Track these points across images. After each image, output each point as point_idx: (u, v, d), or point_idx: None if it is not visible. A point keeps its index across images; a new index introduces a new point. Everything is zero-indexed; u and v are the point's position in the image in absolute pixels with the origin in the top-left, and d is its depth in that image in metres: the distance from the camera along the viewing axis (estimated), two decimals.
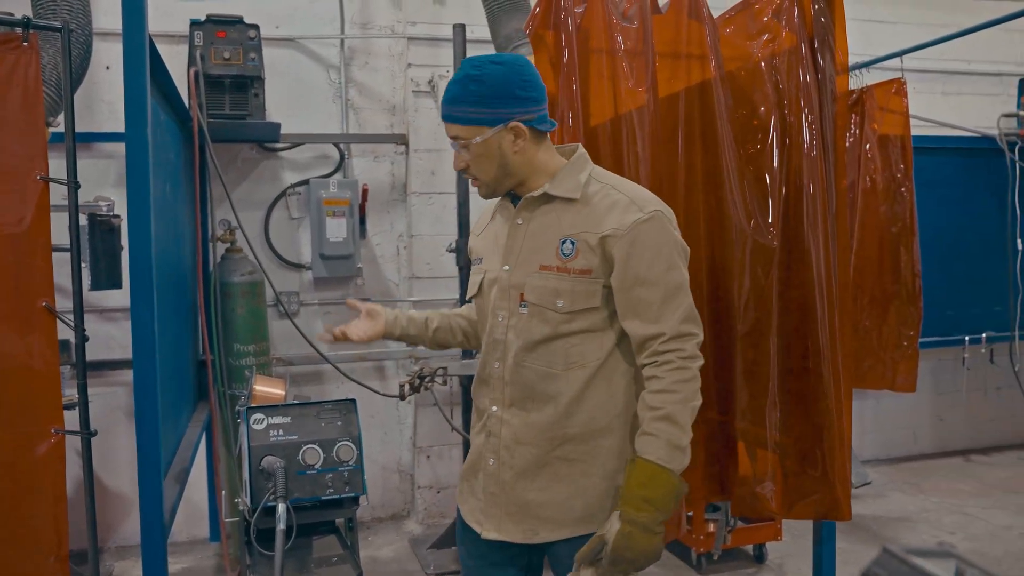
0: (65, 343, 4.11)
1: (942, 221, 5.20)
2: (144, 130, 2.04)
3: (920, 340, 4.56)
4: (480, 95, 1.79)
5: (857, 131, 4.57)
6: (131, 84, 2.03)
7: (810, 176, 2.60)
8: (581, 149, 1.97)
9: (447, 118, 1.85)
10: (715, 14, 2.70)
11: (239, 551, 2.31)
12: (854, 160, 4.55)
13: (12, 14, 3.29)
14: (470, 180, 1.94)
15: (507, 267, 1.93)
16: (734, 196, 2.59)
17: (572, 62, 2.48)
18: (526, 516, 1.91)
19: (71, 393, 3.58)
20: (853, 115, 4.58)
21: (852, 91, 4.55)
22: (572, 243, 1.84)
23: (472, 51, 4.30)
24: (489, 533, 1.95)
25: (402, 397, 3.86)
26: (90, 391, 3.86)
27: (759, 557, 3.94)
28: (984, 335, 5.35)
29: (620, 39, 2.55)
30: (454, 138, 1.86)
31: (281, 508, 2.09)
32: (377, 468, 4.72)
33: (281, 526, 2.04)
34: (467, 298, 2.12)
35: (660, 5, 2.67)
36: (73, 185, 2.08)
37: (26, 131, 2.01)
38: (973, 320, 5.37)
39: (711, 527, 3.74)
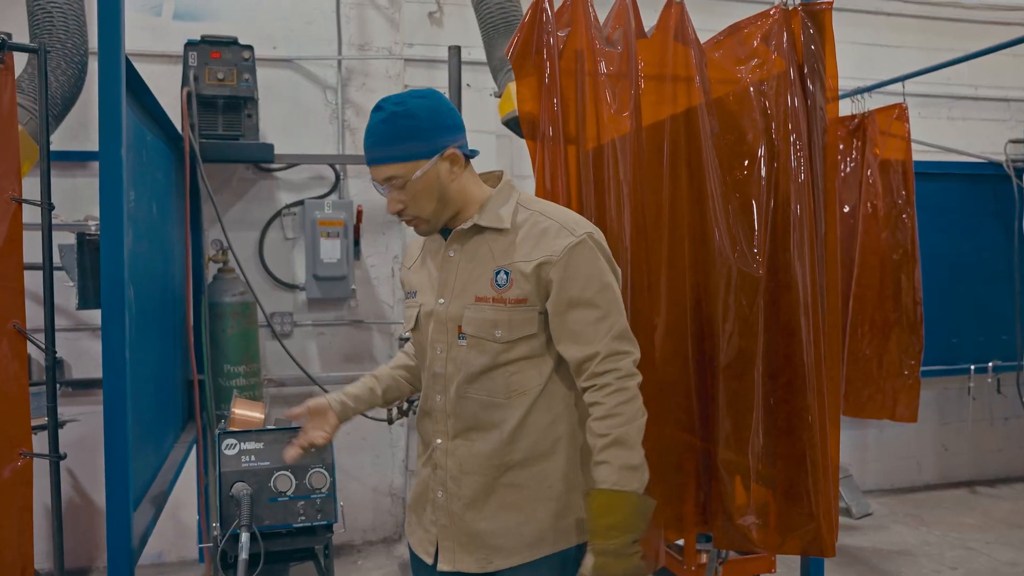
0: (60, 362, 4.14)
1: (947, 248, 5.16)
2: (118, 147, 2.04)
3: (924, 369, 4.50)
4: (412, 129, 1.79)
5: (858, 156, 4.54)
6: (105, 100, 2.04)
7: (798, 202, 2.58)
8: (506, 176, 1.99)
9: (379, 160, 1.83)
10: (703, 38, 2.69)
11: None
12: (855, 185, 4.52)
13: (10, 34, 3.34)
14: (406, 221, 1.92)
15: (442, 300, 1.94)
16: (719, 223, 2.57)
17: (554, 87, 2.47)
18: (479, 546, 1.92)
19: (60, 411, 3.60)
20: (854, 140, 4.56)
21: (853, 116, 4.53)
22: (506, 273, 1.86)
23: (467, 74, 4.32)
24: (444, 565, 1.96)
25: (390, 421, 3.86)
26: (81, 409, 3.91)
27: None
28: (991, 364, 5.29)
29: (603, 63, 2.54)
30: (388, 180, 1.84)
31: (244, 537, 2.07)
32: (368, 491, 4.69)
33: (243, 555, 2.02)
34: (405, 331, 2.12)
35: (646, 29, 2.66)
36: (47, 207, 2.08)
37: (0, 152, 2.02)
38: (979, 349, 5.32)
39: (703, 558, 3.68)
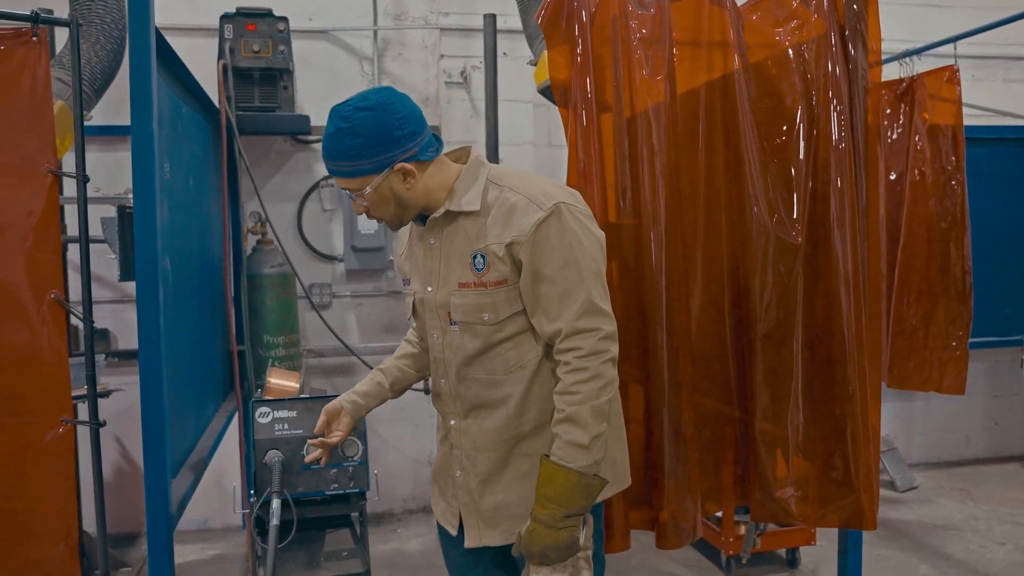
0: (104, 332, 4.23)
1: (1000, 216, 4.99)
2: (149, 118, 2.05)
3: (973, 340, 4.38)
4: (357, 148, 1.78)
5: (906, 122, 4.41)
6: (136, 71, 2.05)
7: (838, 170, 2.52)
8: (474, 152, 1.96)
9: (332, 173, 1.85)
10: (739, 1, 2.62)
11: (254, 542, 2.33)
12: (902, 152, 4.40)
13: (51, 10, 3.38)
14: (375, 219, 1.94)
15: (430, 288, 1.96)
16: (756, 190, 2.52)
17: (587, 54, 2.43)
18: (501, 518, 1.95)
19: (105, 381, 3.69)
20: (902, 105, 4.42)
21: (901, 80, 4.39)
22: (483, 257, 1.85)
23: (503, 43, 4.27)
24: (471, 542, 2.00)
25: (426, 391, 3.88)
26: (126, 379, 3.98)
27: (791, 562, 3.85)
28: None
29: (637, 27, 2.49)
30: (345, 189, 1.86)
31: (275, 503, 2.10)
32: (408, 461, 4.74)
33: (275, 521, 2.05)
34: (407, 318, 2.15)
35: None
36: (82, 179, 2.11)
37: (35, 125, 2.05)
38: None
39: (741, 530, 3.66)
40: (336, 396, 2.50)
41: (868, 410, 2.56)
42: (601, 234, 1.89)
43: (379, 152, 1.79)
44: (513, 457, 1.92)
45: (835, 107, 2.52)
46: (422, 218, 1.94)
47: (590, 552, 1.88)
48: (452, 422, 2.00)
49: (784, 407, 2.55)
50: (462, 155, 1.97)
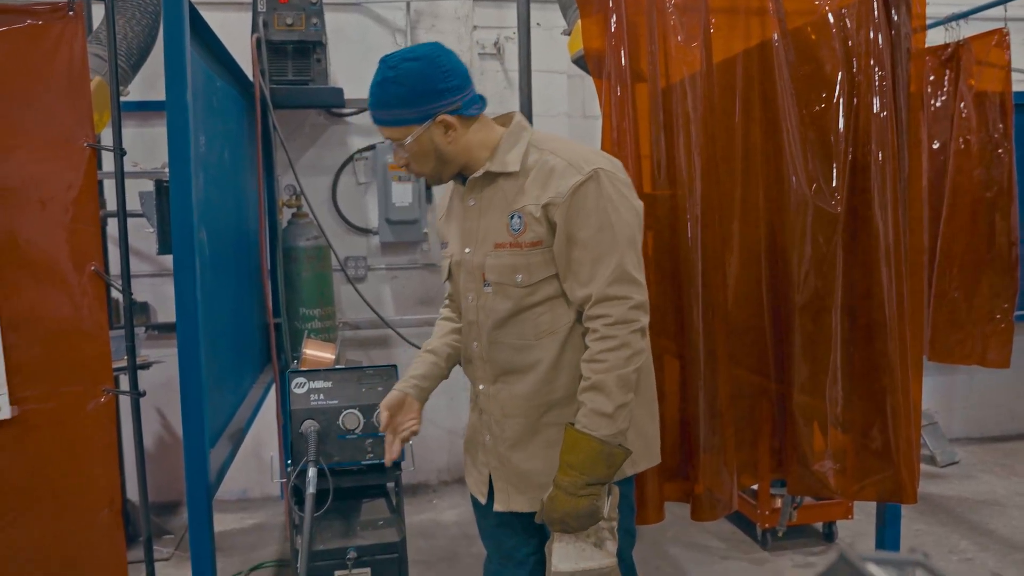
0: (144, 305, 4.30)
1: None
2: (183, 91, 2.08)
3: (1019, 313, 4.29)
4: (401, 96, 1.79)
5: (951, 88, 4.29)
6: (170, 44, 2.07)
7: (879, 138, 2.47)
8: (518, 117, 1.96)
9: (376, 121, 1.87)
10: None
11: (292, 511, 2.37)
12: (946, 120, 4.29)
13: None
14: (414, 174, 1.96)
15: (468, 249, 1.96)
16: (795, 159, 2.48)
17: (621, 22, 2.40)
18: (529, 486, 1.95)
19: (145, 353, 3.76)
20: (947, 71, 4.31)
21: (946, 45, 4.28)
22: (519, 217, 1.85)
23: (536, 13, 4.24)
24: (499, 506, 2.01)
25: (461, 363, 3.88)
26: (167, 351, 4.05)
27: (828, 535, 3.82)
28: None
29: None
30: (387, 138, 1.88)
31: (311, 472, 2.12)
32: (443, 432, 4.78)
33: (311, 489, 2.08)
34: (443, 281, 2.16)
35: None
36: (119, 152, 2.14)
37: (72, 99, 2.07)
38: None
39: (777, 503, 3.65)
40: (364, 367, 2.53)
41: (908, 383, 2.52)
42: (639, 204, 1.88)
43: (422, 102, 1.80)
44: (542, 425, 1.92)
45: (877, 74, 2.46)
46: (462, 179, 1.95)
47: (615, 524, 1.88)
48: (481, 387, 2.00)
49: (822, 379, 2.52)
50: (506, 120, 1.97)
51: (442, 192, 2.17)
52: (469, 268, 1.95)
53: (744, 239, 2.51)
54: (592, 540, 1.84)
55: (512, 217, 1.85)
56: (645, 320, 1.81)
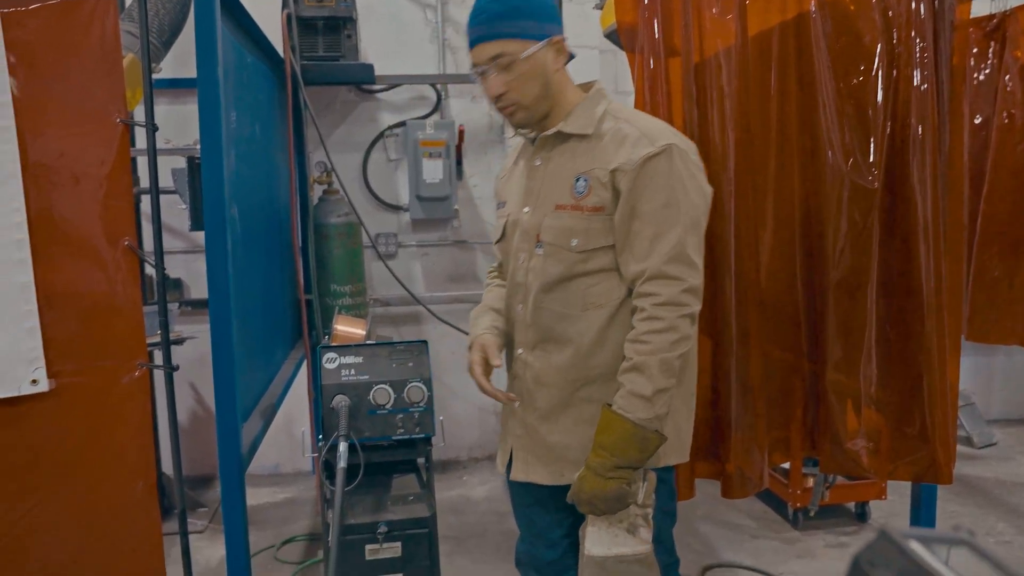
0: (177, 282, 4.35)
1: None
2: (214, 66, 2.09)
3: None
4: (527, 9, 1.78)
5: (995, 61, 4.18)
6: (201, 18, 2.08)
7: (919, 111, 2.41)
8: (599, 84, 1.95)
9: (488, 37, 1.79)
10: None
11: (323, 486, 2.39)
12: (990, 94, 4.18)
13: None
14: (503, 109, 1.88)
15: (527, 209, 1.94)
16: (831, 133, 2.43)
17: None
18: (553, 458, 1.93)
19: (179, 329, 3.80)
20: (991, 43, 4.19)
21: (991, 16, 4.16)
22: (585, 180, 1.82)
23: None
24: (517, 475, 1.99)
25: None
26: (200, 327, 4.10)
27: (861, 516, 3.79)
28: None
29: None
30: (494, 58, 1.80)
31: (342, 447, 2.14)
32: (474, 409, 4.79)
33: (342, 464, 2.09)
34: (494, 242, 2.13)
35: None
36: (151, 127, 2.15)
37: (105, 76, 2.08)
38: None
39: (809, 482, 3.62)
40: (395, 342, 2.53)
41: (945, 362, 2.48)
42: (709, 188, 1.84)
43: (544, 19, 1.80)
44: (576, 399, 1.89)
45: (918, 46, 2.40)
46: (532, 139, 1.94)
47: (650, 511, 1.85)
48: (519, 351, 1.97)
49: (856, 357, 2.48)
50: (587, 87, 1.95)
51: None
52: (525, 228, 1.93)
53: (778, 215, 2.47)
54: (625, 526, 1.81)
55: (578, 179, 1.82)
56: (696, 307, 1.76)
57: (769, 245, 2.47)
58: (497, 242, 2.09)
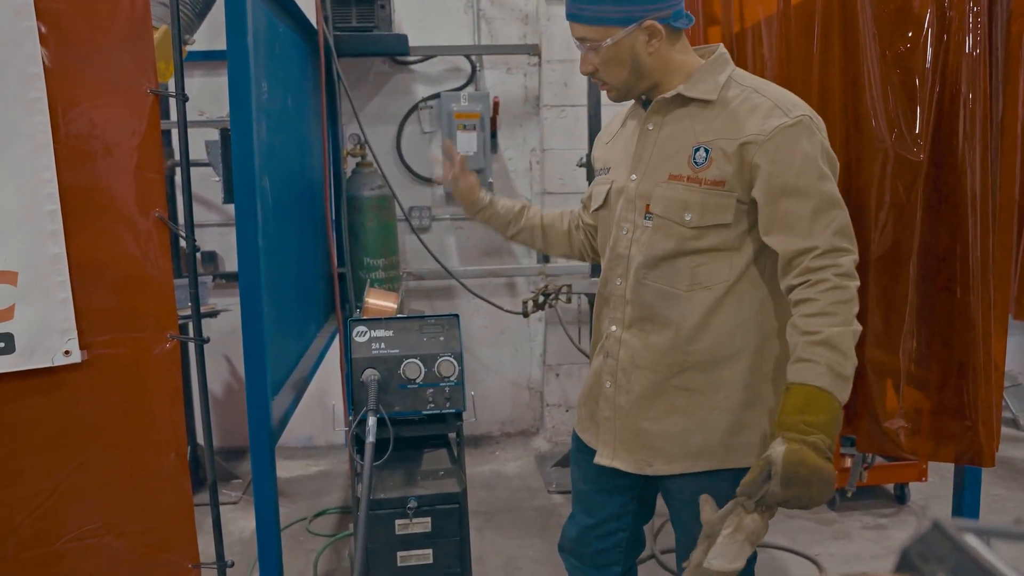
0: (212, 255, 4.38)
1: None
2: (243, 34, 2.07)
3: None
4: None
5: None
6: None
7: (970, 81, 2.31)
8: (721, 49, 1.80)
9: (573, 17, 1.72)
10: None
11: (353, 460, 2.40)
12: None
13: None
14: (599, 84, 1.82)
15: (634, 176, 1.82)
16: (875, 102, 2.35)
17: None
18: (640, 446, 1.84)
19: (213, 302, 3.83)
20: None
21: None
22: (706, 151, 1.70)
23: None
24: (602, 459, 1.90)
25: (525, 314, 3.87)
26: (232, 300, 4.13)
27: (900, 498, 3.72)
28: None
29: None
30: (581, 39, 1.73)
31: (371, 421, 2.13)
32: (507, 384, 4.79)
33: (370, 438, 2.08)
34: (592, 210, 2.02)
35: None
36: (181, 98, 2.14)
37: (134, 46, 2.07)
38: None
39: (846, 462, 3.56)
40: (426, 316, 2.51)
41: (991, 342, 2.40)
42: (837, 159, 1.76)
43: (631, 2, 1.67)
44: (670, 386, 1.79)
45: (971, 10, 2.31)
46: (645, 102, 1.84)
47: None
48: (614, 328, 1.87)
49: (897, 334, 2.42)
50: (707, 53, 1.83)
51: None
52: (630, 197, 1.81)
53: None
54: (753, 538, 1.60)
55: (697, 149, 1.71)
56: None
57: None
58: (595, 210, 1.97)
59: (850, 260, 1.65)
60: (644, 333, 1.81)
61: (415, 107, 4.51)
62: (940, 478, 3.73)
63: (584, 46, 1.74)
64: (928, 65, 2.33)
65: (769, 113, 1.66)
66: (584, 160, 4.06)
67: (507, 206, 2.20)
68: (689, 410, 1.78)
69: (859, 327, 1.64)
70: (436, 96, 4.47)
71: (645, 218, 1.78)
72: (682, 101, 1.76)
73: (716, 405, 1.77)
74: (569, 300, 3.91)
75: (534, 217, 2.21)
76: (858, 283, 1.66)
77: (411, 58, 4.43)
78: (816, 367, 1.59)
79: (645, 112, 1.84)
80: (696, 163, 1.70)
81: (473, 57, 4.48)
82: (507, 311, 4.43)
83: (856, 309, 1.64)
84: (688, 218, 1.71)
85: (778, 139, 1.64)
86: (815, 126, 1.69)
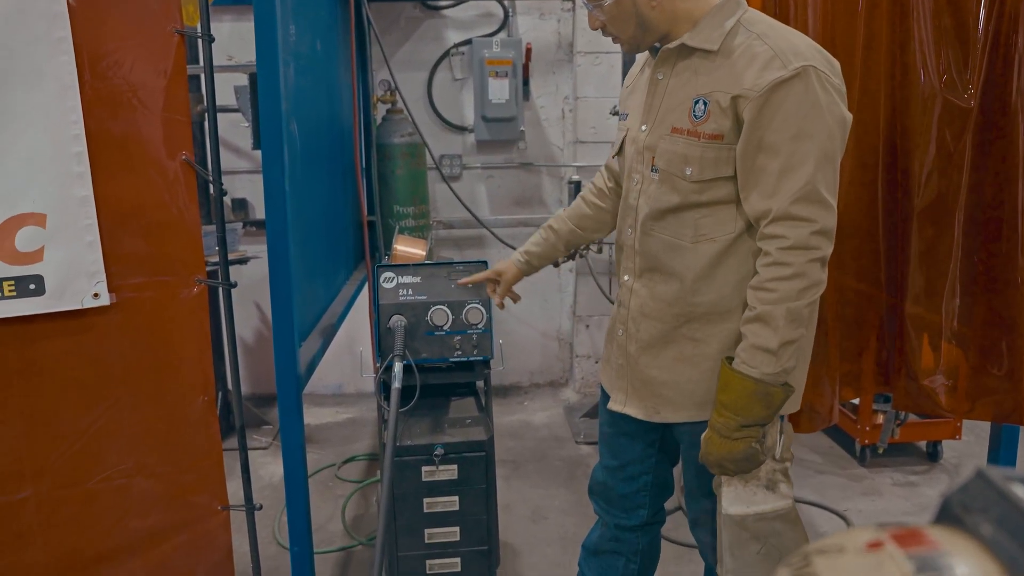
0: (242, 202, 4.37)
1: None
2: None
3: None
4: None
5: None
6: None
7: None
8: None
9: None
10: None
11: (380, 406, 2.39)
12: None
13: None
14: (610, 38, 1.80)
15: (644, 127, 1.80)
16: (925, 46, 2.25)
17: None
18: (649, 393, 1.87)
19: (243, 249, 3.83)
20: None
21: None
22: (704, 104, 1.66)
23: None
24: (615, 405, 1.94)
25: (556, 264, 3.82)
26: (262, 247, 4.14)
27: (932, 455, 3.67)
28: None
29: None
30: None
31: (397, 367, 2.11)
32: (537, 335, 4.76)
33: (396, 384, 2.07)
34: (612, 156, 2.03)
35: None
36: (207, 39, 2.10)
37: None
38: None
39: (879, 418, 3.50)
40: (454, 262, 2.48)
41: None
42: (848, 116, 1.65)
43: None
44: (677, 335, 1.80)
45: None
46: (655, 49, 1.81)
47: (788, 464, 1.77)
48: (626, 278, 1.89)
49: (939, 290, 2.34)
50: None
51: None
52: (639, 148, 1.81)
53: (860, 136, 2.31)
54: (763, 482, 1.74)
55: (696, 102, 1.67)
56: (827, 249, 1.62)
57: (849, 167, 2.32)
58: (614, 156, 1.99)
59: (806, 232, 1.58)
60: (652, 283, 1.82)
61: (446, 53, 4.42)
62: (974, 436, 3.67)
63: (589, 4, 1.75)
64: (982, 9, 2.23)
65: (767, 65, 1.59)
66: (616, 108, 3.97)
67: (541, 246, 2.23)
68: (694, 360, 1.79)
69: (804, 301, 1.60)
70: (468, 42, 4.38)
71: (652, 170, 1.77)
72: (686, 51, 1.71)
73: (722, 356, 1.76)
74: (600, 250, 3.86)
75: (562, 229, 2.20)
76: (814, 254, 1.59)
77: (443, 3, 4.34)
78: (743, 343, 1.66)
79: (656, 61, 1.81)
80: (695, 116, 1.68)
81: (506, 2, 4.37)
82: None
83: (802, 284, 1.59)
84: (689, 172, 1.70)
85: (768, 94, 1.58)
86: (819, 76, 1.59)
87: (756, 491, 1.74)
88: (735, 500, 1.74)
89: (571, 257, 3.79)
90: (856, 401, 3.50)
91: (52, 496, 2.13)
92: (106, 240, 2.04)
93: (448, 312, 2.30)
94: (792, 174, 1.58)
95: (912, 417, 3.48)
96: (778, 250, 1.60)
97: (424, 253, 2.85)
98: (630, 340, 1.88)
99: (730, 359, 1.69)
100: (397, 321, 2.24)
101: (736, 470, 1.70)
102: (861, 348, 2.51)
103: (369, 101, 3.92)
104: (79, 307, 2.04)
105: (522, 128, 4.42)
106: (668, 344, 1.82)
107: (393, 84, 3.87)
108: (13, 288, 1.98)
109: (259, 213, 4.42)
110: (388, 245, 3.83)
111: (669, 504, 2.20)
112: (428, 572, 2.38)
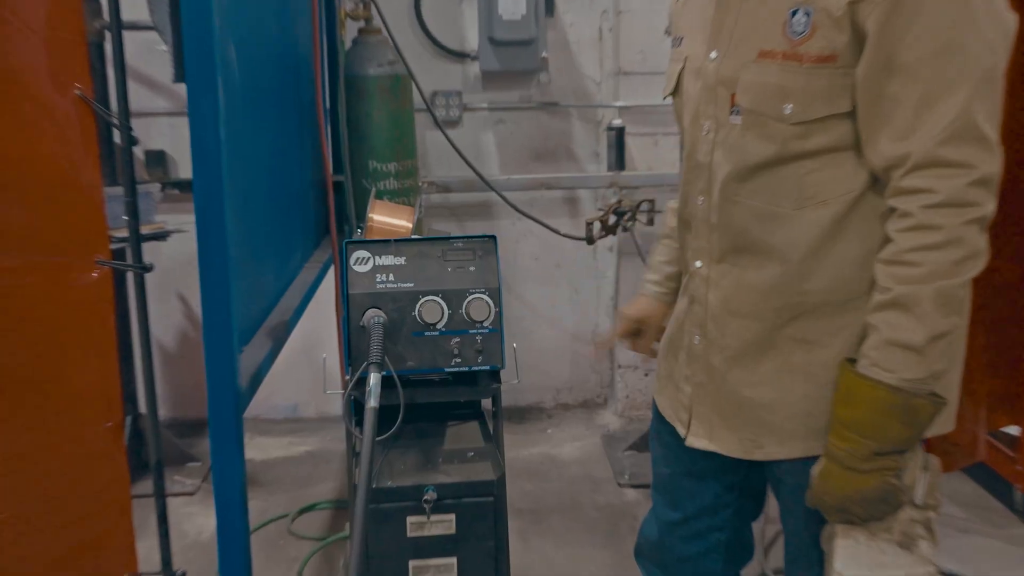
0: (160, 155, 4.38)
1: None
2: None
3: None
4: None
5: None
6: None
7: None
8: None
9: None
10: None
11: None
12: None
13: None
14: None
15: (714, 54, 1.79)
16: None
17: None
18: (746, 421, 1.85)
19: (162, 219, 3.84)
20: None
21: None
22: (807, 14, 1.63)
23: None
24: (696, 441, 1.93)
25: (590, 240, 3.83)
26: (188, 218, 4.15)
27: None
28: None
29: None
30: None
31: (373, 379, 2.09)
32: (565, 338, 4.77)
33: (372, 403, 2.05)
34: (664, 96, 2.02)
35: None
36: None
37: None
38: None
39: None
40: (451, 237, 2.46)
41: None
42: (1012, 19, 1.59)
43: None
44: (781, 338, 1.78)
45: None
46: None
47: (933, 514, 1.73)
48: (698, 264, 1.89)
49: None
50: None
51: None
52: (711, 83, 1.80)
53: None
54: (897, 537, 1.70)
55: (795, 12, 1.64)
56: (990, 206, 1.56)
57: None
58: (666, 97, 1.98)
59: (959, 182, 1.53)
60: (739, 269, 1.82)
61: None
62: None
63: None
64: None
65: None
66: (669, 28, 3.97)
67: (668, 254, 2.26)
68: (808, 369, 1.77)
69: (959, 279, 1.56)
70: None
71: (732, 113, 1.76)
72: None
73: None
74: (652, 222, 3.85)
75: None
76: (973, 212, 1.53)
77: None
78: (873, 338, 1.63)
79: None
80: (794, 32, 1.65)
81: None
82: (565, 235, 4.36)
83: (960, 252, 1.54)
84: (789, 110, 1.67)
85: None
86: None
87: (886, 549, 1.69)
88: (853, 560, 1.70)
89: (611, 231, 3.81)
90: (1014, 430, 3.48)
91: None
92: None
93: (443, 305, 2.28)
94: (937, 104, 1.54)
95: None
96: (922, 209, 1.55)
97: (410, 225, 2.84)
98: (712, 349, 1.87)
99: (853, 361, 1.66)
100: (373, 316, 2.23)
101: (865, 516, 1.67)
102: (1017, 360, 2.51)
103: (335, 16, 3.91)
104: None
105: (544, 54, 4.42)
106: (768, 350, 1.81)
107: None
108: None
109: (184, 171, 4.43)
110: (362, 215, 3.83)
111: (749, 573, 2.19)
112: None
